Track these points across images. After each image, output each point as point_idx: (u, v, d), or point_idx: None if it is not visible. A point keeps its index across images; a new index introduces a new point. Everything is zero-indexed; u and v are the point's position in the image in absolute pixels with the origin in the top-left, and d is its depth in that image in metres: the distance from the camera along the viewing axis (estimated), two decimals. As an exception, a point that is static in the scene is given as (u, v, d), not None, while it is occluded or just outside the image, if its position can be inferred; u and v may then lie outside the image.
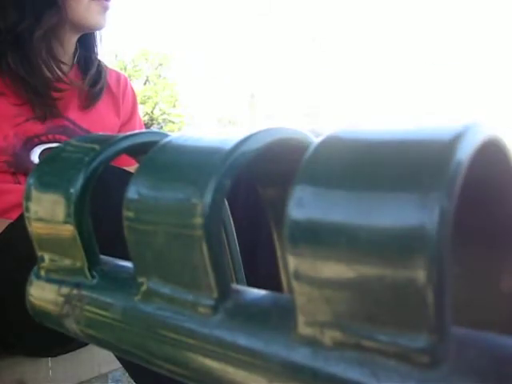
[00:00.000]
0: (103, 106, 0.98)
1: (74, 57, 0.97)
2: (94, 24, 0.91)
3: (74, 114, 0.93)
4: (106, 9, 0.91)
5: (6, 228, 0.73)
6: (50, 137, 0.88)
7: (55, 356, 0.79)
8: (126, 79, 1.07)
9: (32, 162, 0.85)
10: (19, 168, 0.84)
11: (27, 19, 0.84)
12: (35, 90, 0.86)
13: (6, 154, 0.83)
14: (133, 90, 1.08)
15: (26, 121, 0.86)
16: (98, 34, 1.00)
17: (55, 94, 0.88)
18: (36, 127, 0.87)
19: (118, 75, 1.06)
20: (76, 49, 0.97)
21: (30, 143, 0.86)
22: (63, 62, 0.91)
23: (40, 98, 0.86)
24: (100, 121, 0.97)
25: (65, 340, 0.69)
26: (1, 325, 0.72)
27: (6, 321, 0.71)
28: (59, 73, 0.89)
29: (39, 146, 0.87)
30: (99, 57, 1.01)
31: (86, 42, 0.99)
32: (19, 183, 0.85)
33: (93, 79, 0.97)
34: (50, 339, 0.71)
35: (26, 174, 0.84)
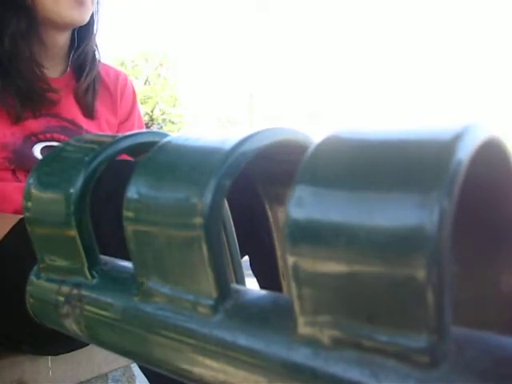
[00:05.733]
0: (100, 104, 0.98)
1: (69, 56, 0.96)
2: (67, 19, 0.86)
3: (70, 113, 0.93)
4: (79, 3, 0.85)
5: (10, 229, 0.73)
6: (48, 135, 0.88)
7: (55, 355, 0.79)
8: (125, 77, 1.06)
9: (35, 158, 0.85)
10: (21, 165, 0.84)
11: None
12: (22, 91, 0.85)
13: (6, 151, 0.83)
14: (133, 89, 1.07)
15: (23, 120, 0.86)
16: (90, 27, 0.95)
17: (48, 95, 0.88)
18: (33, 125, 0.87)
19: (117, 73, 1.05)
20: (70, 47, 0.96)
21: (29, 141, 0.86)
22: (42, 66, 0.89)
23: (26, 99, 0.86)
24: (97, 119, 0.97)
25: (65, 340, 0.69)
26: (1, 324, 0.72)
27: (6, 320, 0.71)
28: (38, 73, 0.88)
29: (39, 144, 0.87)
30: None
31: (80, 37, 0.97)
32: (20, 181, 0.85)
33: (86, 76, 0.95)
34: (50, 339, 0.71)
35: (27, 171, 0.84)
